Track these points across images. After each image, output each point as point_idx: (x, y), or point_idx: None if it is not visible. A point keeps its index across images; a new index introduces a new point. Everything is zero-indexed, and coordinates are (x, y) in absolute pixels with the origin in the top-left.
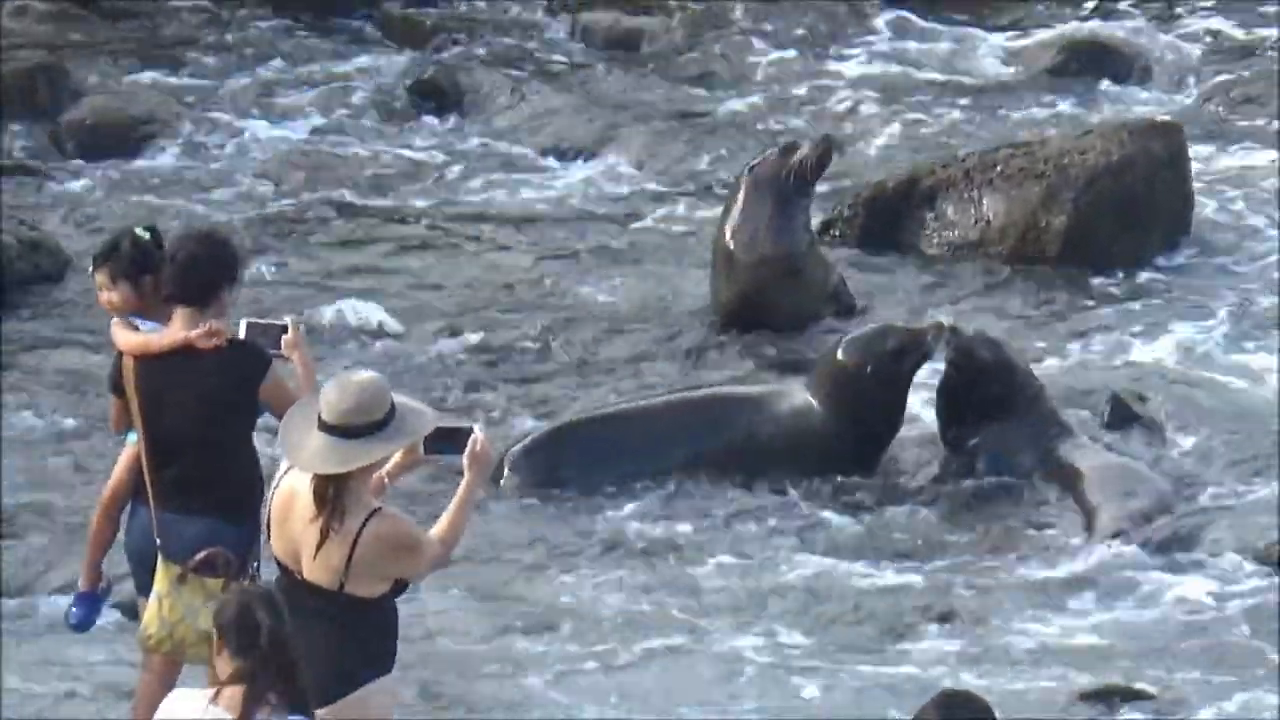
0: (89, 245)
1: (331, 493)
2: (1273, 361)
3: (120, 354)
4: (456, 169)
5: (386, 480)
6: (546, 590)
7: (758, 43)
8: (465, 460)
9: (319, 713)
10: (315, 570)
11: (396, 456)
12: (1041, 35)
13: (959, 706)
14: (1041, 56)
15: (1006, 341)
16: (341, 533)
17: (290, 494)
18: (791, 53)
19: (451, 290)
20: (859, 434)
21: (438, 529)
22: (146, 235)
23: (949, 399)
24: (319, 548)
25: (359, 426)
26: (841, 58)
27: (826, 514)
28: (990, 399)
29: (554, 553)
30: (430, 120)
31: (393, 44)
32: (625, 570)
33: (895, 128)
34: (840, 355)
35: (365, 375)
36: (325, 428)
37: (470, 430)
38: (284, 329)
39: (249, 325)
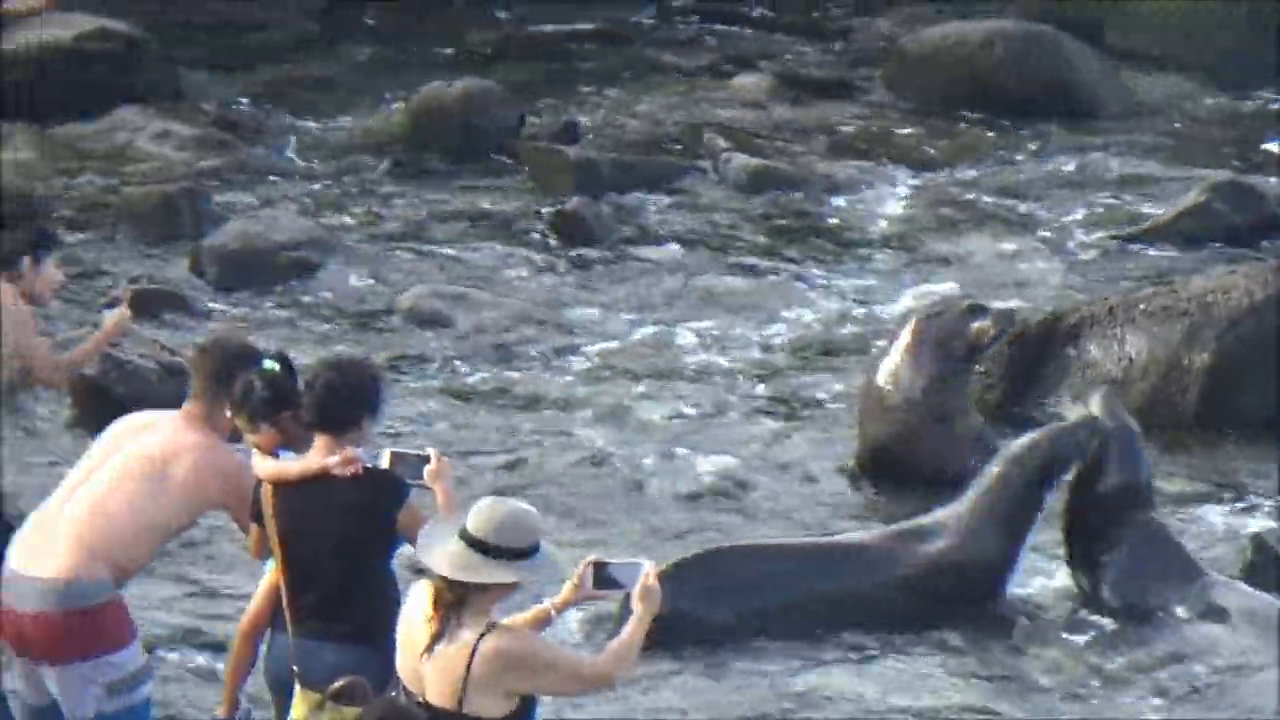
0: None
1: (451, 599)
2: None
3: (259, 482)
4: (591, 303)
5: (554, 613)
6: None
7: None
8: (635, 595)
9: None
10: (434, 691)
11: (564, 592)
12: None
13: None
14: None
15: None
16: (457, 646)
17: (409, 619)
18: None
19: (586, 428)
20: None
21: (605, 654)
22: (276, 367)
23: (1076, 504)
24: (427, 649)
25: (497, 548)
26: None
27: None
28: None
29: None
30: (569, 254)
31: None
32: None
33: (1040, 260)
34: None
35: (522, 505)
36: (466, 538)
37: (639, 565)
38: (426, 459)
39: (393, 455)
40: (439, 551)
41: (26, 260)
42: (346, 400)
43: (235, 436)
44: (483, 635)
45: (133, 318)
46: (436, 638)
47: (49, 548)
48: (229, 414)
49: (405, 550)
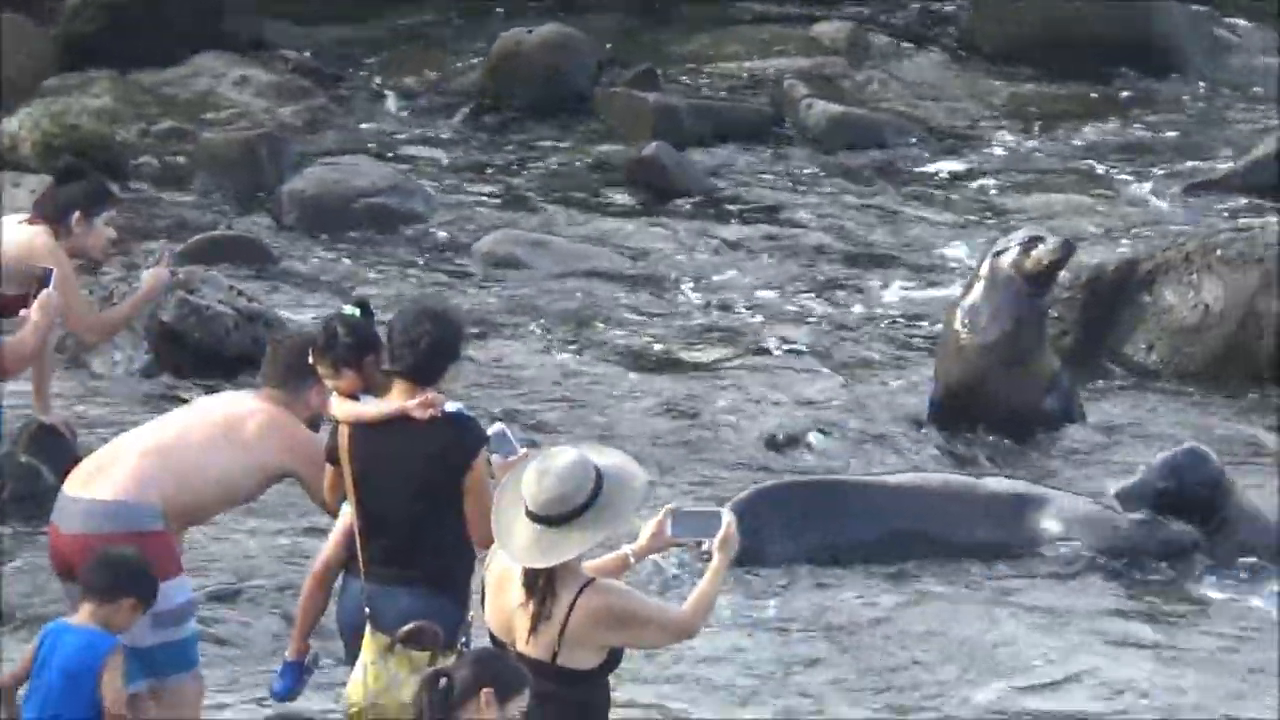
0: (307, 316)
1: (542, 582)
2: None
3: (337, 424)
4: (671, 251)
5: (633, 560)
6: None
7: (980, 112)
8: (715, 545)
9: None
10: (529, 644)
11: (643, 539)
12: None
13: None
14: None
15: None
16: (554, 602)
17: (505, 566)
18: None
19: (662, 376)
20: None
21: (686, 606)
22: (357, 312)
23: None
24: (531, 630)
25: (564, 515)
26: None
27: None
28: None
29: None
30: (647, 202)
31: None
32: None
33: (1117, 210)
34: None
35: (564, 461)
36: (531, 516)
37: (719, 514)
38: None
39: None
40: (514, 541)
41: (76, 214)
42: (439, 353)
43: (313, 426)
44: (580, 592)
45: (207, 266)
46: (537, 619)
47: (103, 474)
48: (310, 360)
49: None
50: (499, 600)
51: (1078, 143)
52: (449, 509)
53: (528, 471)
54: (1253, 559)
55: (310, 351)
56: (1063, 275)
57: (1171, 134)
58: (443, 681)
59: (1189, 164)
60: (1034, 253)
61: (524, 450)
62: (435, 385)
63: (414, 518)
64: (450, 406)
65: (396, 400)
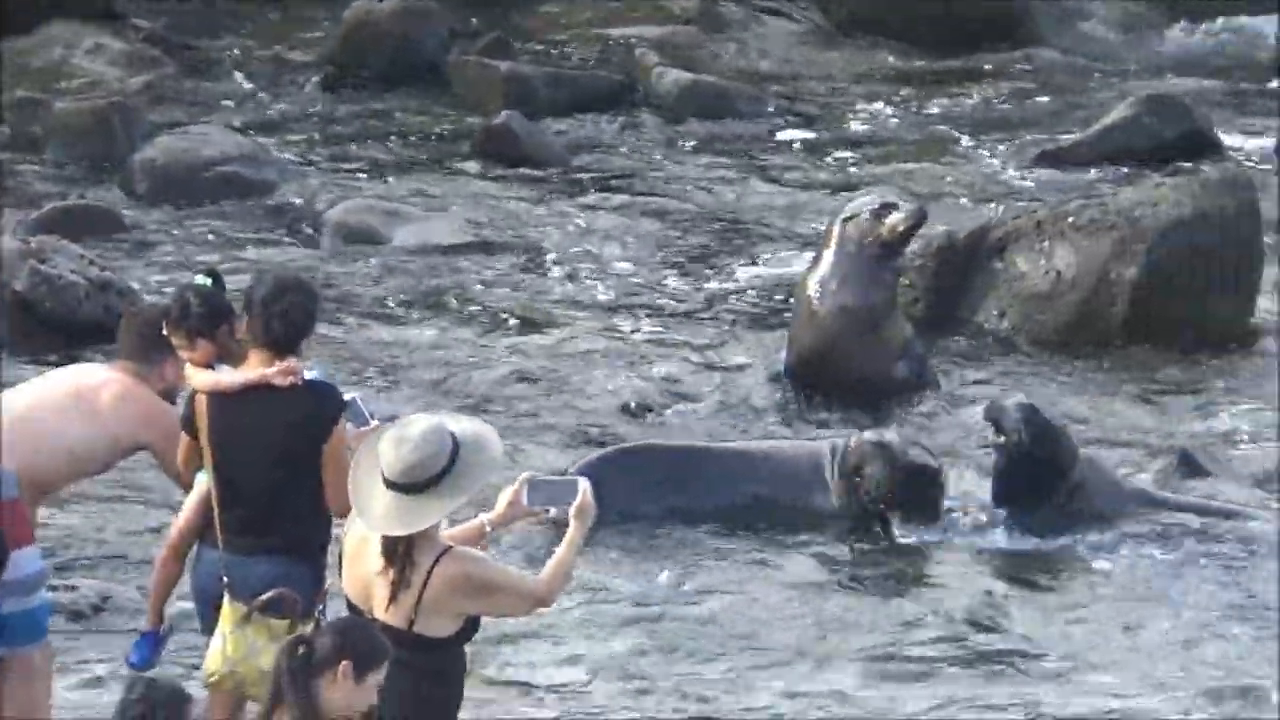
0: (157, 285)
1: (401, 549)
2: None
3: (194, 393)
4: (524, 221)
5: (489, 529)
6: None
7: (834, 82)
8: (571, 512)
9: None
10: (386, 612)
11: (500, 508)
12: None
13: None
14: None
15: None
16: (412, 570)
17: (363, 537)
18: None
19: (516, 342)
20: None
21: (543, 574)
22: (209, 282)
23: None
24: (389, 598)
25: (421, 483)
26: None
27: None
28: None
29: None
30: (499, 171)
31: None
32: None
33: (970, 179)
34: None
35: (420, 428)
36: (389, 484)
37: (575, 482)
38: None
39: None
40: (372, 511)
41: None
42: (298, 321)
43: (168, 398)
44: (438, 560)
45: (60, 236)
46: (397, 586)
47: None
48: (164, 330)
49: None
50: (356, 568)
51: (932, 112)
52: (307, 477)
53: (384, 440)
54: (1102, 521)
55: (163, 323)
56: (915, 242)
57: (1025, 104)
58: (302, 649)
59: (1043, 134)
60: (888, 220)
61: (375, 421)
62: (294, 354)
63: (272, 486)
64: (310, 374)
65: (255, 369)
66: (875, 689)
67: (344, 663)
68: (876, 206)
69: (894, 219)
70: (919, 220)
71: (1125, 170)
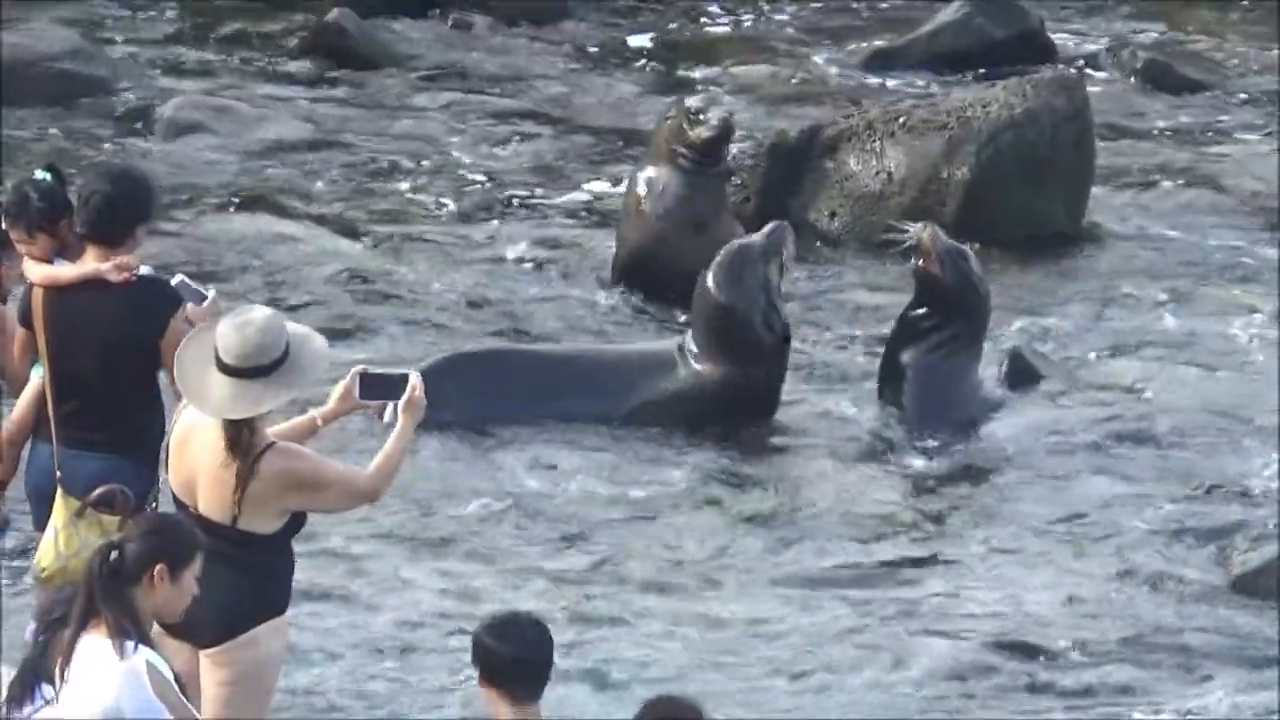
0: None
1: (246, 435)
2: (1173, 324)
3: (30, 286)
4: (356, 121)
5: (320, 423)
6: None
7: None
8: (400, 406)
9: (209, 651)
10: (209, 505)
11: (331, 402)
12: None
13: (670, 707)
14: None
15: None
16: (236, 464)
17: (188, 428)
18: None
19: (347, 240)
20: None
21: (370, 469)
22: (48, 176)
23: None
24: (212, 492)
25: (262, 367)
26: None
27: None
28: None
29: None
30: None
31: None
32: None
33: (801, 80)
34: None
35: (262, 313)
36: (226, 369)
37: (406, 376)
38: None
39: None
40: (209, 397)
41: None
42: (122, 212)
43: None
44: (263, 454)
45: None
46: (242, 476)
47: None
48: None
49: None
50: (181, 461)
51: (769, 16)
52: (141, 372)
53: (222, 325)
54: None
55: (1, 218)
56: (746, 142)
57: (858, 7)
58: (114, 555)
59: (875, 38)
60: (693, 131)
61: (212, 291)
62: (127, 247)
63: (106, 380)
64: (145, 270)
65: (91, 264)
66: (757, 601)
67: (159, 565)
68: (690, 112)
69: (698, 130)
70: (723, 132)
71: (955, 72)
